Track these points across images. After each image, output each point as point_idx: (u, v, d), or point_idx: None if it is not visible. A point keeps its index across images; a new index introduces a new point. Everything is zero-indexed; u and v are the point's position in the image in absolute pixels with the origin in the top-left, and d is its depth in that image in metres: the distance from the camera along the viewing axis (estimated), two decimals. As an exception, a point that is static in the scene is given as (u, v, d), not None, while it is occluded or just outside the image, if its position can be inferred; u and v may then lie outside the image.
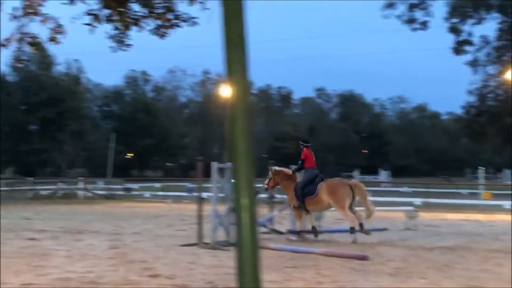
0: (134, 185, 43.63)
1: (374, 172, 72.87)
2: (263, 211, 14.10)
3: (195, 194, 18.73)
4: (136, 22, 6.38)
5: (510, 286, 8.65)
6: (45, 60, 69.89)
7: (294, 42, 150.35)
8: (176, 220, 20.00)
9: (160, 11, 6.53)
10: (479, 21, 36.35)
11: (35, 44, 6.65)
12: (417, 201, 28.75)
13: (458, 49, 37.36)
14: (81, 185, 37.05)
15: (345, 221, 14.38)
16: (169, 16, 6.62)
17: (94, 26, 5.98)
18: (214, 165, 14.01)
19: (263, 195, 15.93)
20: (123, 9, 6.20)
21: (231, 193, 14.44)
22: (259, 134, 75.19)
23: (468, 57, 37.81)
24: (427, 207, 26.36)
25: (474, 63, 37.79)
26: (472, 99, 39.74)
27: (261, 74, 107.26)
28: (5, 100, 65.96)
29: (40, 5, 6.39)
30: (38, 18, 6.49)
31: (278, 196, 16.89)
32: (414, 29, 35.52)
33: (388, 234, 15.83)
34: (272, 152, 73.60)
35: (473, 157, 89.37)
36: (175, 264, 10.52)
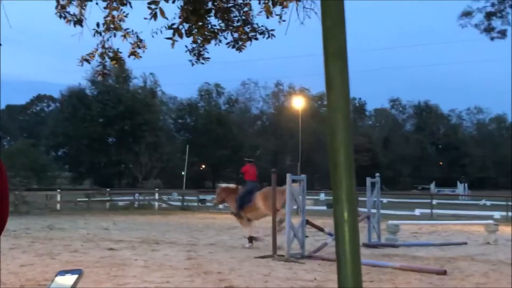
0: (208, 197, 44.07)
1: (451, 184, 70.98)
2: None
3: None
4: (215, 35, 6.44)
5: None
6: (123, 74, 71.89)
7: (366, 53, 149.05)
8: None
9: (237, 24, 6.58)
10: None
11: (117, 58, 6.81)
12: (497, 214, 27.82)
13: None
14: (156, 196, 37.79)
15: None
16: (246, 29, 6.66)
17: (176, 40, 6.07)
18: (289, 177, 13.95)
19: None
20: (202, 23, 6.27)
21: (304, 205, 14.43)
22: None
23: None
24: (507, 221, 25.47)
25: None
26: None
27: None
28: (84, 113, 68.35)
29: (122, 20, 6.56)
30: (119, 33, 6.66)
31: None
32: (492, 38, 34.48)
33: (467, 248, 15.43)
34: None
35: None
36: (249, 276, 10.54)
